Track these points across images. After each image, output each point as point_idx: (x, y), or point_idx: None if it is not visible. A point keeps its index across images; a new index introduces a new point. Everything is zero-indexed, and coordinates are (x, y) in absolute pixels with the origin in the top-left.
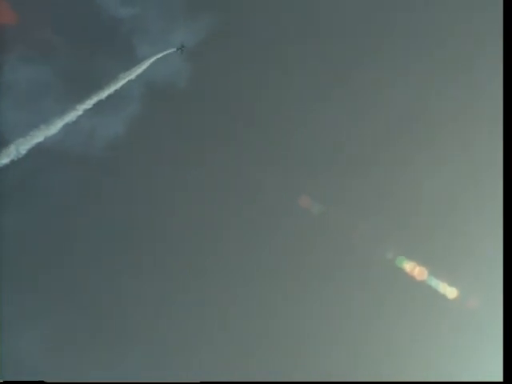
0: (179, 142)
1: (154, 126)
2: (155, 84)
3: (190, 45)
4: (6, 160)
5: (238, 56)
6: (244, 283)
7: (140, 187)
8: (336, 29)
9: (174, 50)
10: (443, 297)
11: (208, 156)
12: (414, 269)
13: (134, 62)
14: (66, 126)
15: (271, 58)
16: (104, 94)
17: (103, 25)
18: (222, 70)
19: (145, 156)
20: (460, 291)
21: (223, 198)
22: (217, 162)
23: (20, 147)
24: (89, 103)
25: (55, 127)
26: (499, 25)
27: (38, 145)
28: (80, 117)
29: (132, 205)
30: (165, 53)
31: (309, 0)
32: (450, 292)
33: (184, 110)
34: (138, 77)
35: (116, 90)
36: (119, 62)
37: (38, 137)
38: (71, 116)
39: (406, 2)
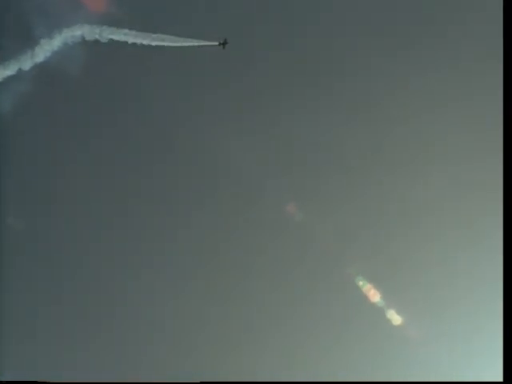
0: (64, 128)
1: (40, 109)
2: (48, 68)
3: (92, 29)
4: None
5: (140, 45)
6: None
7: (19, 169)
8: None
9: (216, 44)
10: (388, 321)
11: (87, 149)
12: (369, 290)
13: (31, 42)
14: None
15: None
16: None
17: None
18: (120, 59)
19: (28, 138)
20: (405, 321)
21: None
22: (99, 154)
23: None
24: None
25: None
26: (499, 25)
27: None
28: None
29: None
30: (206, 43)
31: None
32: (396, 319)
33: (74, 96)
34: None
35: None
36: (16, 42)
37: None
38: None
39: (405, 3)
